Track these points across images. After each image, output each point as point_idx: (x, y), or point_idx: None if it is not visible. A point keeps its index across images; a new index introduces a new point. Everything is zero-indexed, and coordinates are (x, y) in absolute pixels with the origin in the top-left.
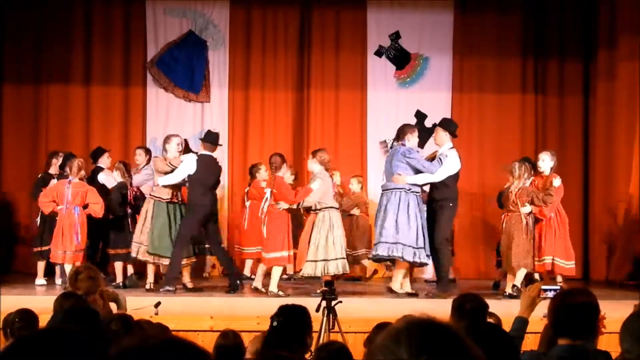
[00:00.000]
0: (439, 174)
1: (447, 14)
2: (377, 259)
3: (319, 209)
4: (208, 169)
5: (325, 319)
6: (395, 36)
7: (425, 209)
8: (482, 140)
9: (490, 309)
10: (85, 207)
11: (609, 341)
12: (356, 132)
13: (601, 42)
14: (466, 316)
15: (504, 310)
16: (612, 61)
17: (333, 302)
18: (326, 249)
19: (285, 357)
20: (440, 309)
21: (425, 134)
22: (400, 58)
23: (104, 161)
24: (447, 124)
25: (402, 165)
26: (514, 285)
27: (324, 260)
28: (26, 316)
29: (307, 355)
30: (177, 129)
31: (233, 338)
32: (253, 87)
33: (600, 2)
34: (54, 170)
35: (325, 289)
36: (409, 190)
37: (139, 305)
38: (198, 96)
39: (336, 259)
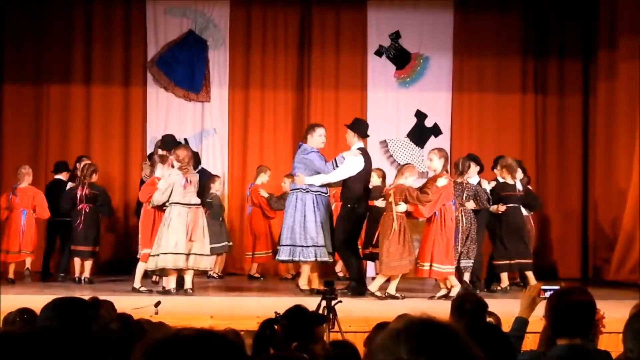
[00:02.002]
0: (334, 175)
1: (447, 13)
2: (282, 262)
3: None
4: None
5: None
6: (396, 36)
7: (341, 209)
8: (482, 140)
9: (490, 309)
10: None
11: (609, 341)
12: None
13: (601, 41)
14: (466, 316)
15: (504, 310)
16: (612, 61)
17: (333, 302)
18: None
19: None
20: (441, 308)
21: (425, 134)
22: (400, 58)
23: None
24: (354, 125)
25: (301, 165)
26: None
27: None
28: (27, 315)
29: (318, 347)
30: (178, 128)
31: (233, 337)
32: (253, 87)
33: (600, 2)
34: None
35: (326, 288)
36: (306, 190)
37: (139, 304)
38: (198, 96)
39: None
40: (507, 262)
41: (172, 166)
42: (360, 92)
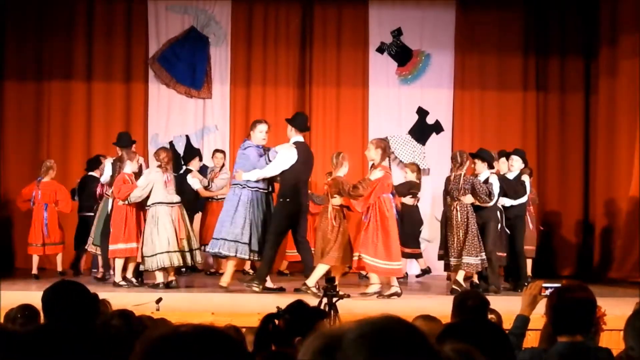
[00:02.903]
0: (268, 170)
1: (448, 10)
2: (213, 255)
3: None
4: None
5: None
6: (397, 33)
7: (275, 205)
8: (484, 137)
9: (492, 306)
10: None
11: (610, 338)
12: (357, 128)
13: (602, 39)
14: (467, 313)
15: (505, 307)
16: (614, 58)
17: (334, 299)
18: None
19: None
20: (443, 306)
21: (426, 131)
22: (401, 55)
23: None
24: (293, 119)
25: (240, 161)
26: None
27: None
28: (28, 312)
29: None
30: (179, 125)
31: (234, 334)
32: (254, 84)
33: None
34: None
35: (327, 285)
36: (243, 186)
37: (140, 301)
38: (199, 92)
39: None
40: None
41: (139, 163)
42: (362, 89)
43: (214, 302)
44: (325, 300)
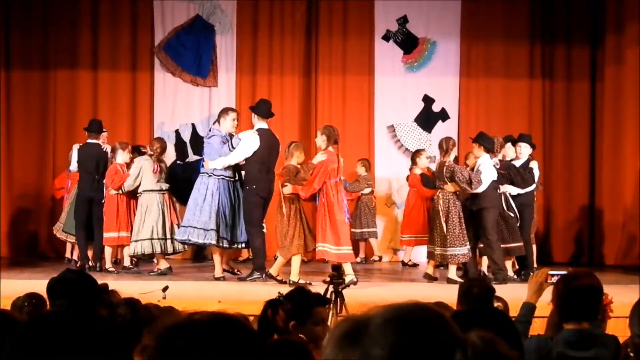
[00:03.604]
0: (231, 157)
1: None
2: (178, 241)
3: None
4: None
5: (332, 304)
6: (403, 20)
7: (243, 193)
8: (489, 125)
9: (498, 294)
10: None
11: (616, 325)
12: (363, 116)
13: (608, 27)
14: (473, 301)
15: (511, 295)
16: (620, 46)
17: (340, 287)
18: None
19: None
20: (451, 294)
21: (432, 119)
22: (407, 42)
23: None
24: (256, 106)
25: (207, 150)
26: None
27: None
28: (35, 300)
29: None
30: (185, 113)
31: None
32: (260, 72)
33: None
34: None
35: (333, 273)
36: (209, 174)
37: (146, 289)
38: (205, 81)
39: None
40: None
41: (131, 153)
42: (368, 77)
43: (220, 290)
44: (331, 288)
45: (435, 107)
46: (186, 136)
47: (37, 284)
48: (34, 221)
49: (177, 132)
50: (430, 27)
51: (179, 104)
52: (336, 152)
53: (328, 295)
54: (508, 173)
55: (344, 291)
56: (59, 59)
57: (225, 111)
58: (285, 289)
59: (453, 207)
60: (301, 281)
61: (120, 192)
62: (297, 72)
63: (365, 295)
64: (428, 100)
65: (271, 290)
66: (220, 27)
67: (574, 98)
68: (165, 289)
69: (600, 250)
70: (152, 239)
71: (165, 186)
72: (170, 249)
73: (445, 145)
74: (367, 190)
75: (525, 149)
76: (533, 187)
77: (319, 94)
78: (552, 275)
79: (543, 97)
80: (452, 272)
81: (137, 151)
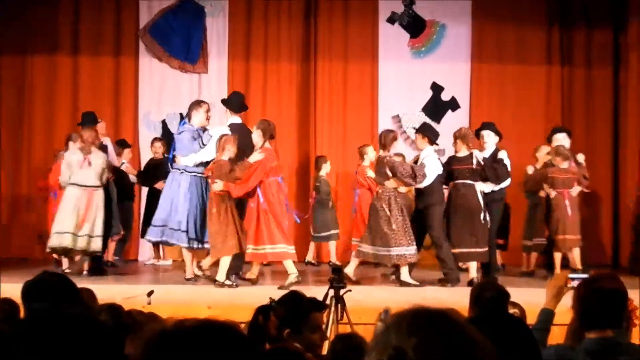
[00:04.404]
0: (203, 154)
1: None
2: (151, 242)
3: None
4: None
5: (333, 309)
6: (410, 2)
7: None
8: (503, 115)
9: (513, 298)
10: None
11: None
12: (366, 106)
13: (632, 8)
14: (485, 306)
15: (528, 300)
16: None
17: (342, 291)
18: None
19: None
20: (458, 297)
21: (441, 108)
22: (414, 25)
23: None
24: (227, 100)
25: (178, 145)
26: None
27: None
28: (7, 306)
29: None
30: (172, 102)
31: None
32: (255, 58)
33: None
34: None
35: (334, 276)
36: (182, 171)
37: (130, 294)
38: (195, 67)
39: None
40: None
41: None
42: (371, 62)
43: (210, 294)
44: (331, 292)
45: (445, 96)
46: (173, 127)
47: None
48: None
49: (163, 122)
50: (439, 8)
51: (166, 92)
52: (274, 148)
53: (327, 301)
54: (481, 168)
55: (345, 296)
56: (36, 43)
57: (197, 104)
58: (276, 293)
59: (395, 204)
60: (227, 282)
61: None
62: (294, 58)
63: (368, 299)
64: (437, 88)
65: (266, 295)
66: (211, 8)
67: (595, 86)
68: (150, 293)
69: (624, 251)
70: (59, 232)
71: (90, 182)
72: (82, 246)
73: (384, 139)
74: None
75: (489, 138)
76: (508, 182)
77: (318, 82)
78: (573, 279)
79: (562, 85)
80: (405, 274)
81: (122, 145)
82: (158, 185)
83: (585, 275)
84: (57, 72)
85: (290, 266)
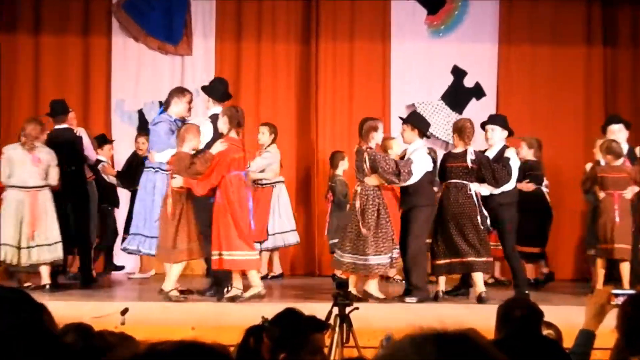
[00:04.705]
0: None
1: None
2: (128, 252)
3: None
4: None
5: (337, 329)
6: None
7: None
8: (535, 102)
9: (547, 318)
10: None
11: None
12: (377, 93)
13: None
14: (514, 326)
15: (565, 320)
16: None
17: (347, 309)
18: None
19: None
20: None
21: (464, 96)
22: (432, 0)
23: None
24: (209, 87)
25: (153, 139)
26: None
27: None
28: None
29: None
30: (151, 88)
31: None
32: (247, 38)
33: None
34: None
35: (339, 291)
36: (156, 170)
37: (100, 312)
38: (177, 48)
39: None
40: (445, 261)
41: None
42: (382, 43)
43: (194, 313)
44: (336, 310)
45: (468, 82)
46: (152, 117)
47: None
48: None
49: (140, 112)
50: None
51: (143, 77)
52: (241, 138)
53: (332, 319)
54: (478, 168)
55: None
56: None
57: (179, 92)
58: (270, 311)
59: (372, 205)
60: (174, 293)
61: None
62: (293, 38)
63: (377, 318)
64: (458, 73)
65: (257, 314)
66: None
67: None
68: (124, 311)
69: None
70: (6, 244)
71: (34, 181)
72: (24, 261)
73: (362, 130)
74: None
75: (494, 134)
76: (511, 185)
77: (320, 66)
78: (617, 296)
79: (604, 68)
80: (372, 287)
81: (102, 141)
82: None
83: (631, 292)
84: (16, 54)
85: (254, 277)
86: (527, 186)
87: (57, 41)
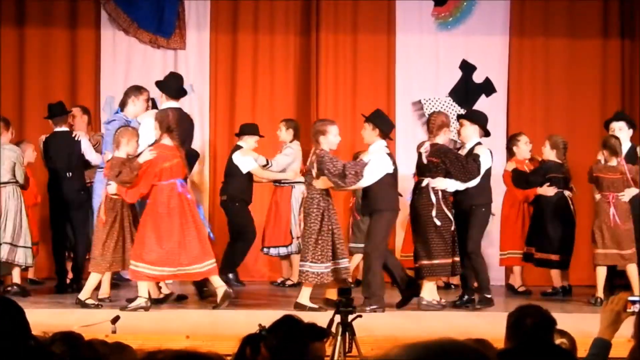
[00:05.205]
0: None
1: None
2: None
3: None
4: None
5: (339, 338)
6: None
7: None
8: (549, 99)
9: (561, 326)
10: None
11: None
12: (381, 89)
13: None
14: (526, 335)
15: (578, 328)
16: None
17: (350, 317)
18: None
19: None
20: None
21: (473, 92)
22: None
23: None
24: (162, 82)
25: (107, 139)
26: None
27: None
28: None
29: None
30: (142, 84)
31: None
32: (243, 30)
33: None
34: None
35: (340, 299)
36: None
37: (90, 320)
38: (169, 41)
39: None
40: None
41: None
42: (387, 35)
43: (189, 321)
44: (337, 318)
45: (477, 77)
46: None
47: None
48: None
49: None
50: None
51: (133, 72)
52: (175, 143)
53: (334, 328)
54: (442, 162)
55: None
56: None
57: (136, 90)
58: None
59: (316, 209)
60: (90, 301)
61: None
62: (292, 30)
63: (382, 327)
64: (467, 68)
65: (254, 321)
66: None
67: None
68: (115, 319)
69: None
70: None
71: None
72: (21, 260)
73: (312, 133)
74: None
75: (466, 131)
76: (474, 182)
77: (321, 60)
78: (633, 302)
79: (622, 62)
80: (303, 295)
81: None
82: None
83: None
84: None
85: (142, 288)
86: (547, 190)
87: (42, 34)
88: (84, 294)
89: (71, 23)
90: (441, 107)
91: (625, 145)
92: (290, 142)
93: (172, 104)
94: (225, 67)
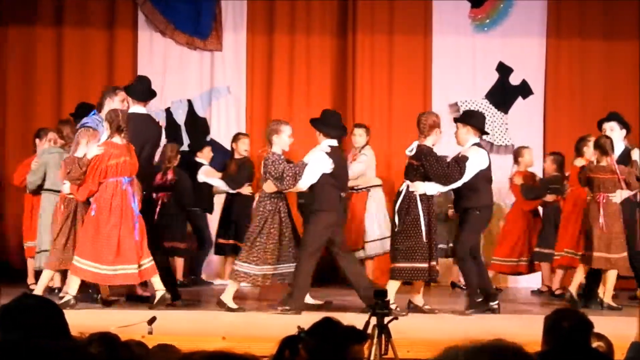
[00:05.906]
0: (94, 151)
1: None
2: None
3: None
4: None
5: (375, 340)
6: None
7: None
8: (586, 101)
9: (598, 329)
10: None
11: None
12: (417, 90)
13: None
14: (563, 338)
15: (616, 331)
16: None
17: (386, 319)
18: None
19: None
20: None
21: (510, 95)
22: None
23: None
24: (129, 86)
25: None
26: None
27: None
28: None
29: None
30: (179, 86)
31: None
32: (279, 31)
33: None
34: None
35: (377, 301)
36: None
37: (127, 321)
38: (206, 43)
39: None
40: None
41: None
42: (423, 37)
43: (224, 322)
44: (373, 321)
45: (514, 79)
46: (180, 117)
47: None
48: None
49: (167, 110)
50: None
51: (170, 73)
52: (125, 142)
53: (369, 330)
54: (422, 165)
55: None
56: (11, 10)
57: (112, 91)
58: (305, 321)
59: (262, 211)
60: (68, 297)
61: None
62: (328, 31)
63: (418, 329)
64: (504, 70)
65: (288, 324)
66: None
67: None
68: (151, 321)
69: None
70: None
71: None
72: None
73: (269, 133)
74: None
75: (461, 134)
76: (461, 181)
77: (357, 61)
78: None
79: None
80: (228, 292)
81: (202, 143)
82: (244, 190)
83: None
84: (36, 47)
85: (73, 284)
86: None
87: (80, 34)
88: (37, 291)
89: (109, 24)
90: (478, 109)
91: (619, 147)
92: (363, 148)
93: (139, 107)
94: (262, 69)
